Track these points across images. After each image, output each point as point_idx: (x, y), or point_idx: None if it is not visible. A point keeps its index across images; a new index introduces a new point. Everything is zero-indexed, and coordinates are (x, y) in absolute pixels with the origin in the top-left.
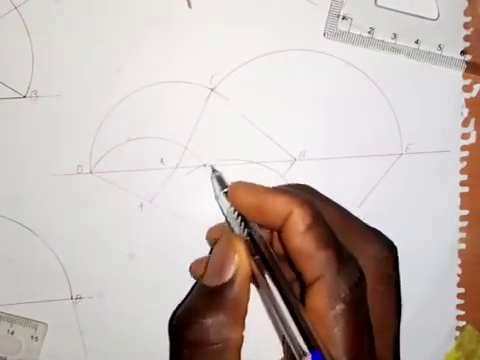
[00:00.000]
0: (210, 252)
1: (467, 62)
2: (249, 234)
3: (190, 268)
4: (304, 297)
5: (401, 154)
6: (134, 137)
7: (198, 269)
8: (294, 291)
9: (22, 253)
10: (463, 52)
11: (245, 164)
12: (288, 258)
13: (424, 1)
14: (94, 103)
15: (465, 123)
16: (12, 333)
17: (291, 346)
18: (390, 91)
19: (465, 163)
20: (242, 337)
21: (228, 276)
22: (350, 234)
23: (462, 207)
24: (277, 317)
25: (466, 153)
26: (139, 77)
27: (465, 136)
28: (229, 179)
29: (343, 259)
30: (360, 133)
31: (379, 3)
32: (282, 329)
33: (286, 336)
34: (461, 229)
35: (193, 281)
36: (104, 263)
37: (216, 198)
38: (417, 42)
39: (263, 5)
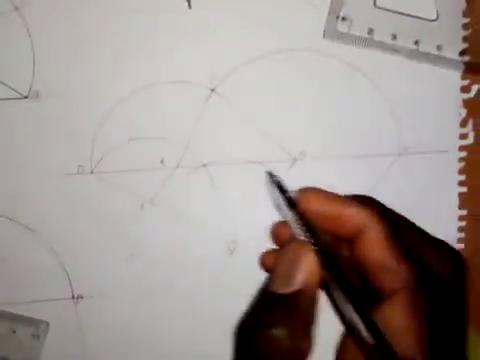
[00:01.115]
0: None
1: (466, 63)
2: (317, 241)
3: (260, 261)
4: (377, 310)
5: (400, 154)
6: (134, 137)
7: (270, 261)
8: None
9: (23, 253)
10: (462, 53)
11: (245, 164)
12: (358, 268)
13: (423, 2)
14: (95, 103)
15: (463, 123)
16: (14, 332)
17: None
18: (389, 91)
19: (463, 163)
20: (311, 346)
21: (298, 284)
22: (421, 246)
23: (460, 207)
24: (355, 331)
25: (464, 153)
26: (139, 77)
27: (463, 136)
28: (224, 181)
29: (421, 271)
30: (359, 133)
31: (378, 4)
32: (358, 342)
33: (362, 350)
34: (459, 229)
35: (195, 281)
36: (105, 263)
37: (276, 207)
38: (416, 43)
39: (263, 5)
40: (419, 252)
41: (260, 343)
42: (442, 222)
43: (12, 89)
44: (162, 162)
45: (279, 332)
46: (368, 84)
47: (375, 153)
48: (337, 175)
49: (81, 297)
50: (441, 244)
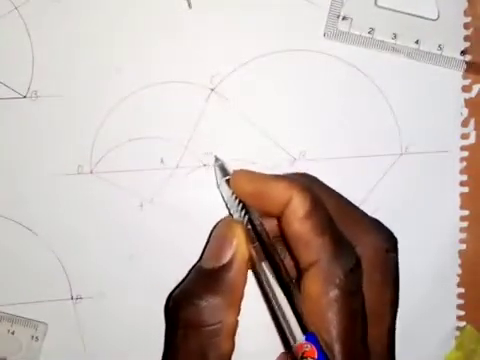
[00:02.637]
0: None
1: (467, 62)
2: (249, 220)
3: None
4: (300, 283)
5: (401, 154)
6: (134, 137)
7: None
8: (291, 277)
9: (22, 253)
10: (463, 52)
11: (245, 164)
12: (287, 245)
13: (424, 1)
14: (94, 103)
15: (465, 123)
16: (12, 333)
17: (286, 330)
18: (390, 91)
19: (465, 163)
20: (237, 321)
21: (226, 259)
22: (349, 223)
23: (462, 207)
24: (273, 302)
25: (466, 153)
26: (139, 77)
27: (465, 136)
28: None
29: (340, 246)
30: (360, 133)
31: (379, 3)
32: (278, 313)
33: (281, 321)
34: (461, 229)
35: None
36: (104, 263)
37: (218, 186)
38: (417, 42)
39: (263, 5)
40: (346, 228)
41: (188, 312)
42: (443, 222)
43: (10, 88)
44: (162, 162)
45: (205, 304)
46: (368, 84)
47: (376, 153)
48: (337, 175)
49: (80, 298)
50: (372, 221)
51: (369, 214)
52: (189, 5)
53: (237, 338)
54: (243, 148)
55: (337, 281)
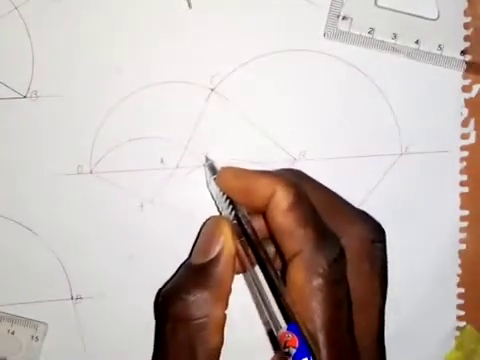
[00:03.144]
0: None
1: (467, 62)
2: (236, 216)
3: None
4: (285, 274)
5: (401, 154)
6: (134, 137)
7: None
8: (276, 270)
9: (22, 253)
10: (463, 52)
11: (245, 164)
12: (273, 239)
13: (424, 1)
14: (94, 103)
15: (465, 123)
16: (12, 333)
17: (270, 321)
18: (390, 91)
19: (465, 163)
20: (225, 315)
21: (213, 254)
22: (335, 214)
23: (462, 207)
24: (258, 295)
25: (466, 153)
26: (139, 77)
27: (465, 136)
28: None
29: (323, 236)
30: (360, 133)
31: (379, 3)
32: (262, 305)
33: (266, 312)
34: (461, 229)
35: None
36: (104, 263)
37: (207, 185)
38: (417, 42)
39: (263, 5)
40: (332, 220)
41: (177, 307)
42: (443, 222)
43: (10, 88)
44: (162, 162)
45: (193, 298)
46: (368, 84)
47: (375, 153)
48: (337, 175)
49: (80, 298)
50: (359, 212)
51: (369, 214)
52: (189, 5)
53: (226, 332)
54: (243, 148)
55: (321, 270)
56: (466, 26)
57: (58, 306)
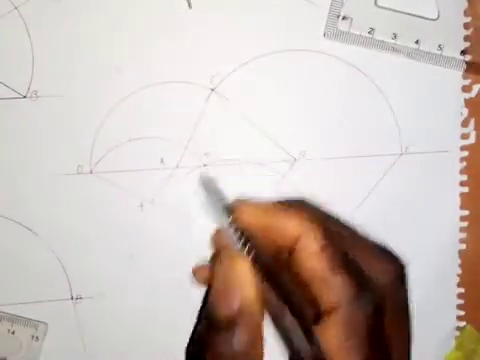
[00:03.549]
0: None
1: (467, 62)
2: (255, 256)
3: (193, 273)
4: (319, 327)
5: (401, 154)
6: (134, 137)
7: (202, 275)
8: (309, 319)
9: (22, 253)
10: (463, 52)
11: (245, 164)
12: (295, 281)
13: (424, 1)
14: (94, 103)
15: (465, 123)
16: (13, 333)
17: None
18: (390, 91)
19: (465, 163)
20: (262, 354)
21: (236, 305)
22: (360, 251)
23: (462, 207)
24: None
25: (466, 153)
26: (139, 77)
27: (465, 136)
28: (224, 181)
29: (361, 285)
30: (360, 133)
31: (379, 3)
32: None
33: None
34: (461, 229)
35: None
36: (104, 263)
37: (210, 211)
38: (417, 42)
39: (263, 5)
40: (357, 259)
41: None
42: (443, 222)
43: (10, 88)
44: (162, 162)
45: (226, 352)
46: (368, 84)
47: (376, 153)
48: (337, 175)
49: (80, 298)
50: (383, 250)
51: (368, 214)
52: (189, 5)
53: None
54: (243, 148)
55: (359, 326)
56: (466, 26)
57: (58, 306)
